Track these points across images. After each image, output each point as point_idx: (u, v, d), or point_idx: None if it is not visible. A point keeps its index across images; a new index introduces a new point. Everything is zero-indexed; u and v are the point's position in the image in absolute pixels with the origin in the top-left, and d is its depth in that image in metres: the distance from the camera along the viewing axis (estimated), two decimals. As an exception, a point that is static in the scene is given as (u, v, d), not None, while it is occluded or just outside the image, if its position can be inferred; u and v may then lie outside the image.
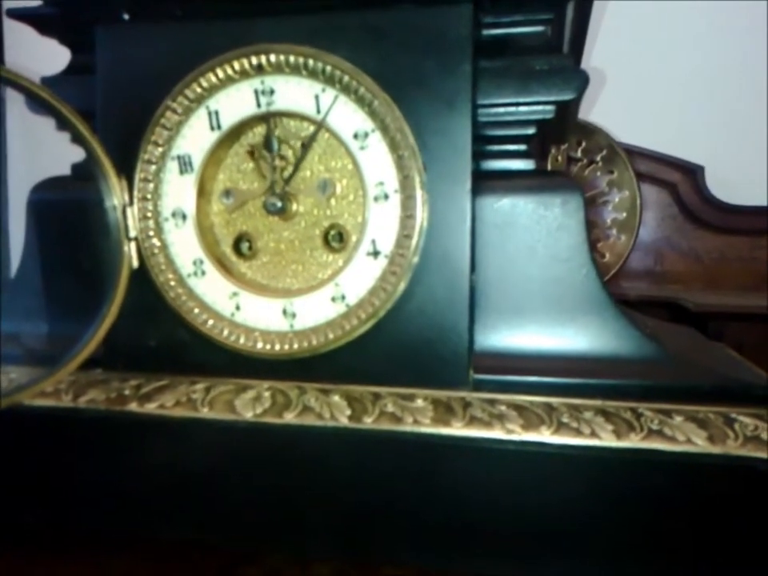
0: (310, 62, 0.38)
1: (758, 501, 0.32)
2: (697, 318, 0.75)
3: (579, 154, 0.63)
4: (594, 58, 0.92)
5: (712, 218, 0.92)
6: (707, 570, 0.33)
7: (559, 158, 0.61)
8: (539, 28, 0.38)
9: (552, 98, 0.38)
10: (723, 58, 0.96)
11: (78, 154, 0.43)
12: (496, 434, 0.35)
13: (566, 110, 0.40)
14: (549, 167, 0.64)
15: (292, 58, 0.38)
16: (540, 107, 0.38)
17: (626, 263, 0.91)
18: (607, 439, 0.34)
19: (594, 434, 0.34)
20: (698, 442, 0.33)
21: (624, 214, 0.61)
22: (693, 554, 0.33)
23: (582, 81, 0.37)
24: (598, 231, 0.62)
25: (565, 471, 0.34)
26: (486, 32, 0.38)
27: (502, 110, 0.38)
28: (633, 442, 0.34)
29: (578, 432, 0.34)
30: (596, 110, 0.93)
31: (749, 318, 0.73)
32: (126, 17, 0.40)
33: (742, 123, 0.95)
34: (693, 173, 0.92)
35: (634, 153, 0.94)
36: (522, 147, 0.39)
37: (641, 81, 0.96)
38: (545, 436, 0.34)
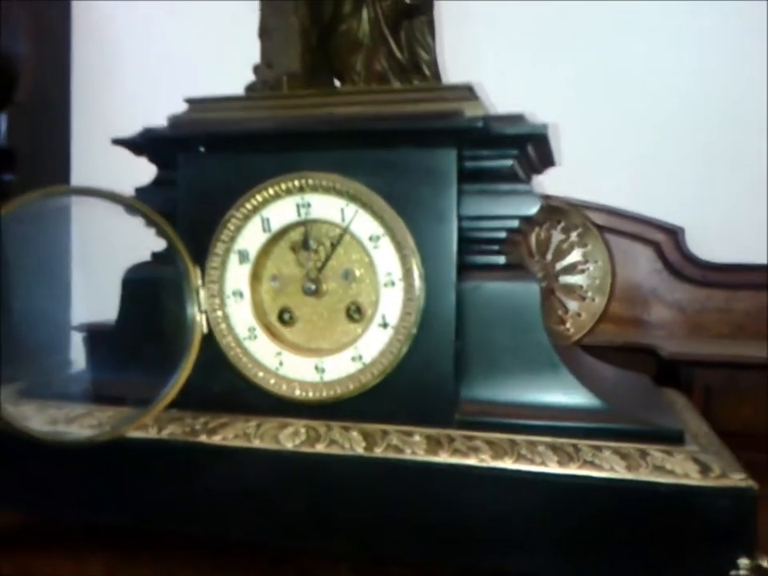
0: (338, 185, 0.52)
1: (660, 513, 0.44)
2: (670, 364, 0.87)
3: (559, 231, 0.76)
4: (574, 129, 1.06)
5: (692, 273, 1.04)
6: (624, 563, 0.45)
7: (542, 234, 0.74)
8: (506, 162, 0.51)
9: (516, 214, 0.51)
10: (695, 132, 1.09)
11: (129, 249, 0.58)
12: (471, 461, 0.47)
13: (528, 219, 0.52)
14: (534, 243, 0.78)
15: (324, 182, 0.52)
16: (507, 221, 0.51)
17: (617, 312, 1.03)
18: (553, 467, 0.46)
19: (543, 463, 0.46)
20: (619, 470, 0.45)
21: (597, 281, 0.73)
22: (613, 551, 0.45)
23: (537, 202, 0.50)
24: (575, 295, 0.75)
25: (521, 490, 0.46)
26: (466, 164, 0.51)
27: (479, 221, 0.51)
28: (572, 469, 0.46)
29: (532, 461, 0.46)
30: (586, 181, 1.06)
31: (714, 365, 0.85)
32: (202, 149, 0.54)
33: (719, 189, 1.07)
34: (674, 233, 1.04)
35: (623, 216, 1.07)
36: (495, 247, 0.52)
37: (625, 154, 1.09)
38: (507, 464, 0.47)
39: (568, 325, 0.74)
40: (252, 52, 0.65)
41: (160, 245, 0.59)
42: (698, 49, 1.12)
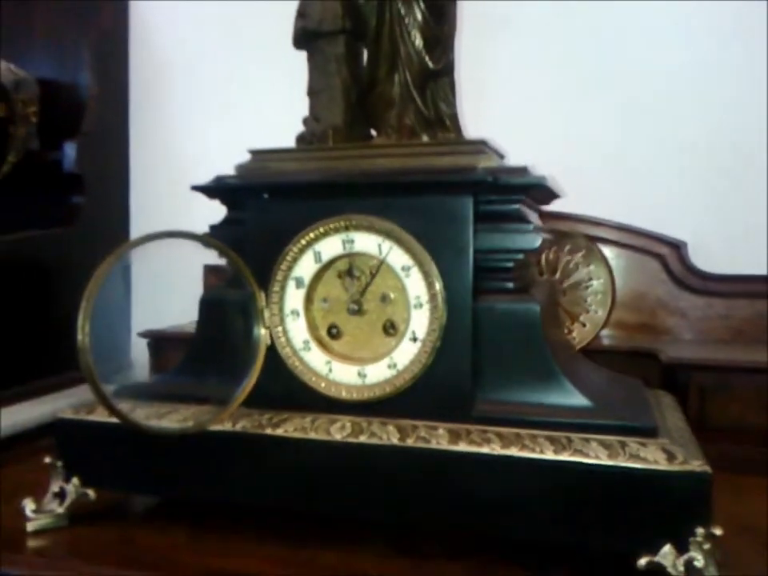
0: (376, 225, 0.64)
1: (635, 492, 0.55)
2: (669, 367, 0.97)
3: (566, 253, 0.87)
4: (587, 151, 1.16)
5: (694, 283, 1.14)
6: (605, 532, 0.56)
7: (551, 255, 0.86)
8: (513, 206, 0.63)
9: (521, 248, 0.62)
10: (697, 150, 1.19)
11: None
12: (484, 450, 0.59)
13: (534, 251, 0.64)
14: (544, 263, 0.89)
15: (365, 223, 0.64)
16: (514, 254, 0.63)
17: (626, 319, 1.14)
18: (549, 455, 0.57)
19: (542, 452, 0.58)
20: (602, 458, 0.56)
21: (600, 296, 0.84)
22: (598, 522, 0.56)
23: (538, 238, 0.62)
24: (580, 309, 0.86)
25: (524, 473, 0.58)
26: (480, 208, 0.63)
27: (491, 254, 0.63)
28: (564, 456, 0.57)
29: (533, 450, 0.58)
30: (598, 198, 1.17)
31: (708, 368, 0.95)
32: (266, 196, 0.67)
33: (719, 206, 1.16)
34: (678, 247, 1.14)
35: (631, 231, 1.17)
36: (504, 275, 0.64)
37: (634, 173, 1.20)
38: (513, 452, 0.58)
39: (574, 334, 0.85)
40: (296, 91, 0.78)
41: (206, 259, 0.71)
42: (700, 69, 1.21)
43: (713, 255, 1.14)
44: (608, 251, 1.14)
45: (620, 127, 1.23)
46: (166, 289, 1.27)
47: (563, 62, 1.27)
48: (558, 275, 0.85)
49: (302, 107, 0.76)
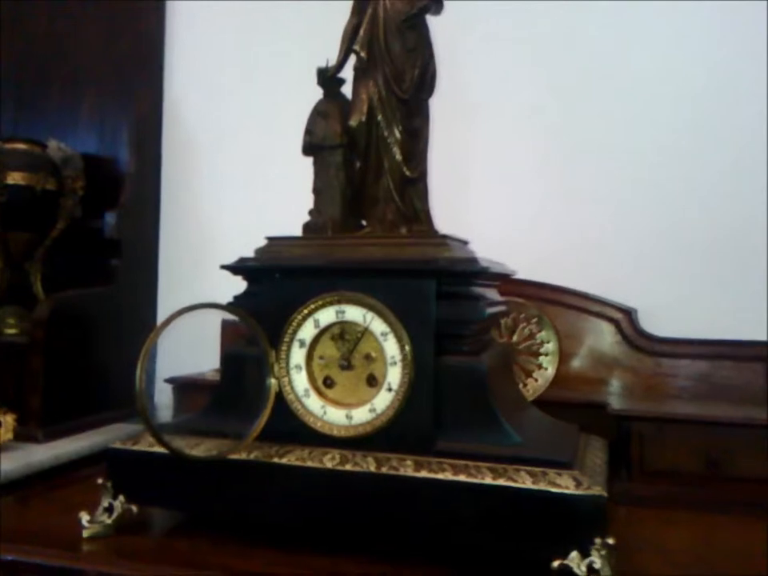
0: (362, 300, 0.83)
1: (552, 510, 0.73)
2: (616, 417, 1.15)
3: (521, 320, 1.05)
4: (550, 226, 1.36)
5: (644, 345, 1.32)
6: (529, 541, 0.73)
7: (509, 322, 1.04)
8: (467, 288, 0.82)
9: (472, 319, 0.81)
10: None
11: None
12: (440, 476, 0.76)
13: (491, 318, 0.83)
14: (503, 328, 1.08)
15: (354, 298, 0.83)
16: (467, 324, 0.82)
17: (587, 374, 1.32)
18: (489, 480, 0.75)
19: (483, 478, 0.75)
20: (528, 483, 0.74)
21: (549, 356, 1.01)
22: (524, 533, 0.74)
23: (485, 312, 0.81)
24: (533, 366, 1.03)
25: (470, 495, 0.75)
26: (442, 288, 0.82)
27: (449, 324, 0.82)
28: (500, 482, 0.75)
29: (477, 477, 0.76)
30: (560, 269, 1.36)
31: (645, 419, 1.12)
32: (278, 276, 0.87)
33: (666, 278, 1.35)
34: (629, 313, 1.33)
35: (590, 298, 1.36)
36: (459, 339, 0.82)
37: (593, 248, 1.39)
38: (461, 478, 0.76)
39: (528, 387, 1.03)
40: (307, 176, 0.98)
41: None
42: (640, 156, 1.42)
43: (660, 321, 1.33)
44: (570, 315, 1.33)
45: (584, 211, 1.43)
46: (185, 341, 1.44)
47: (528, 153, 1.48)
48: (515, 338, 1.03)
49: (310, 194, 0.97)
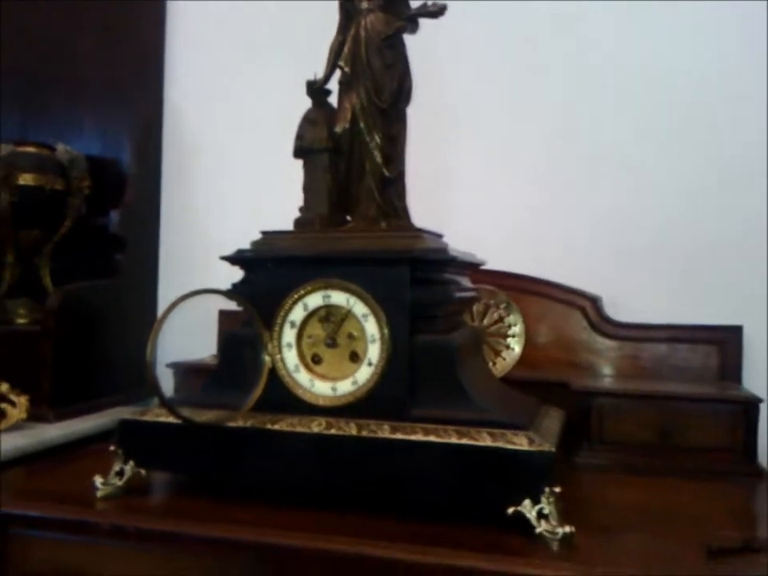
0: (346, 286, 0.94)
1: (508, 464, 0.84)
2: (578, 394, 1.26)
3: (492, 305, 1.17)
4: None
5: (608, 330, 1.43)
6: (486, 491, 0.85)
7: (480, 307, 1.15)
8: (438, 274, 0.93)
9: (440, 302, 0.93)
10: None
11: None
12: (413, 437, 0.88)
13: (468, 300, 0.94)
14: (475, 313, 1.19)
15: (338, 284, 0.94)
16: (438, 306, 0.93)
17: (558, 356, 1.43)
18: (455, 440, 0.86)
19: (449, 438, 0.87)
20: (488, 441, 0.85)
21: (516, 338, 1.12)
22: (483, 484, 0.85)
23: (455, 296, 0.92)
24: (501, 347, 1.14)
25: (439, 453, 0.86)
26: (415, 274, 0.93)
27: (422, 306, 0.93)
28: (464, 441, 0.86)
29: (444, 437, 0.87)
30: (535, 259, 1.48)
31: (604, 394, 1.24)
32: (270, 266, 0.98)
33: (628, 268, 1.47)
34: (595, 300, 1.45)
35: (560, 287, 1.47)
36: (431, 319, 0.94)
37: (562, 240, 1.51)
38: (431, 438, 0.87)
39: (497, 366, 1.14)
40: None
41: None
42: (604, 161, 1.53)
43: (624, 307, 1.45)
44: (541, 303, 1.45)
45: (555, 207, 1.55)
46: (185, 329, 1.51)
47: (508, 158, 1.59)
48: (486, 322, 1.14)
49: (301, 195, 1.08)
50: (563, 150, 1.55)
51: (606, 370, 1.43)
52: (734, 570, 0.79)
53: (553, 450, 0.84)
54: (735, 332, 1.37)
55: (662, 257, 1.47)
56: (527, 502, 0.83)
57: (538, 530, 0.82)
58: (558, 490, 0.82)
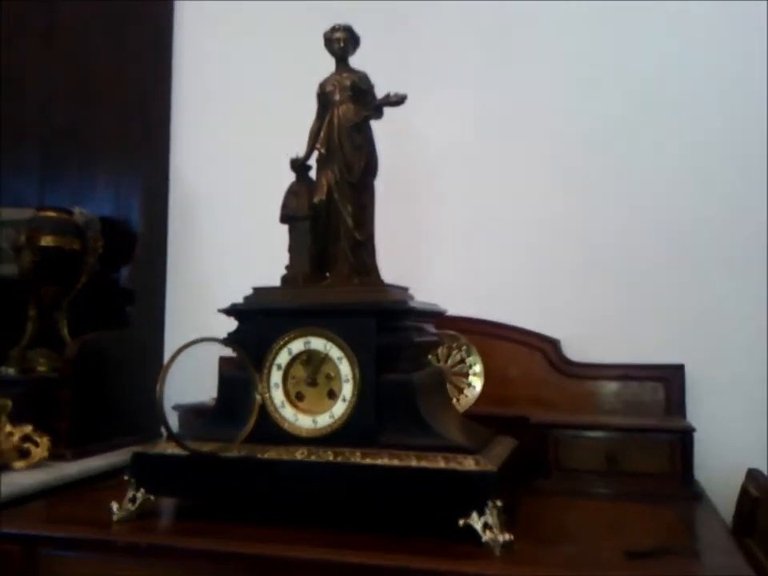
0: (323, 333, 1.11)
1: (459, 483, 1.00)
2: (536, 426, 1.42)
3: (454, 348, 1.34)
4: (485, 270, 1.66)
5: (567, 369, 1.60)
6: (439, 506, 1.00)
7: (444, 350, 1.33)
8: (400, 322, 1.10)
9: (402, 346, 1.10)
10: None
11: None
12: (379, 462, 1.04)
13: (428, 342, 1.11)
14: (440, 354, 1.36)
15: (317, 332, 1.12)
16: (400, 350, 1.10)
17: (521, 393, 1.59)
18: (414, 463, 1.02)
19: (410, 462, 1.03)
20: (442, 464, 1.01)
21: (476, 377, 1.29)
22: (436, 502, 1.00)
23: (413, 341, 1.10)
24: (463, 385, 1.31)
25: (401, 475, 1.02)
26: (381, 323, 1.10)
27: (387, 349, 1.10)
28: (422, 464, 1.02)
29: (405, 461, 1.03)
30: (499, 306, 1.65)
31: (559, 426, 1.40)
32: (260, 317, 1.15)
33: (584, 313, 1.65)
34: (554, 343, 1.62)
35: (522, 331, 1.64)
36: (395, 360, 1.11)
37: (527, 288, 1.69)
38: (395, 463, 1.03)
39: (460, 402, 1.31)
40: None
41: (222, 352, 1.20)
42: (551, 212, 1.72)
43: (581, 349, 1.61)
44: (508, 346, 1.62)
45: (519, 258, 1.73)
46: (188, 374, 1.67)
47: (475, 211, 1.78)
48: (449, 363, 1.31)
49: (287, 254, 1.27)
50: (520, 220, 1.75)
51: (566, 405, 1.59)
52: (649, 570, 0.94)
53: (495, 470, 1.00)
54: (678, 369, 1.54)
55: (616, 303, 1.64)
56: (474, 515, 0.98)
57: (483, 539, 0.97)
58: (500, 503, 0.98)
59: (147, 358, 1.87)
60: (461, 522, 0.98)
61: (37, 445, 1.51)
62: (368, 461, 1.05)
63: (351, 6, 1.78)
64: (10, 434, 1.48)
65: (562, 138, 1.73)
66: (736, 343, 1.57)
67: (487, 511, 0.98)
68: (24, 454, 1.48)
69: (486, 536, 0.97)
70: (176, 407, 1.68)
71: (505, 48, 1.81)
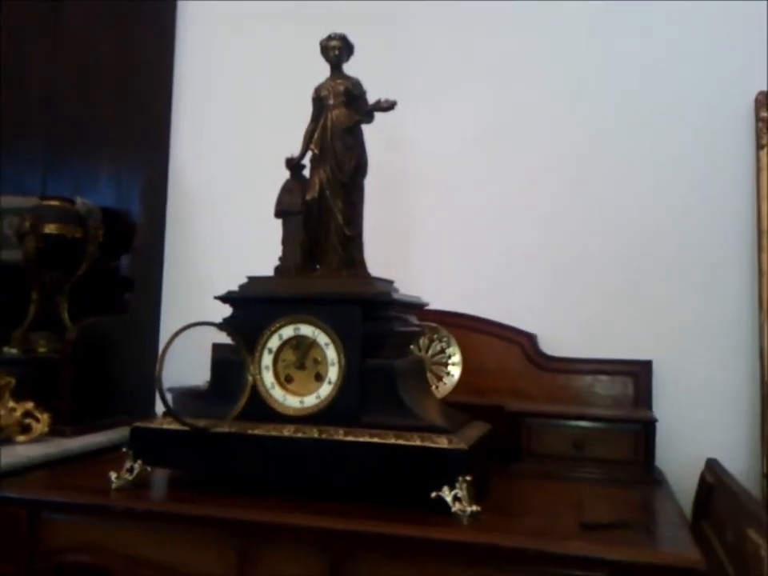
0: (312, 320, 1.20)
1: (431, 459, 1.09)
2: (511, 414, 1.51)
3: (435, 339, 1.43)
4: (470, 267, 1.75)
5: (542, 362, 1.69)
6: (413, 480, 1.09)
7: (425, 340, 1.42)
8: (384, 312, 1.20)
9: (385, 334, 1.19)
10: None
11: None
12: (361, 439, 1.13)
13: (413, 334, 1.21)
14: (421, 344, 1.46)
15: (306, 319, 1.20)
16: (383, 337, 1.19)
17: (499, 385, 1.69)
18: (392, 440, 1.11)
19: (388, 439, 1.12)
20: (418, 442, 1.10)
21: (455, 366, 1.38)
22: (412, 477, 1.10)
23: (396, 330, 1.19)
24: (442, 373, 1.40)
25: (380, 451, 1.11)
26: (366, 312, 1.19)
27: (371, 337, 1.19)
28: (400, 441, 1.11)
29: (384, 438, 1.12)
30: (479, 302, 1.75)
31: (532, 415, 1.49)
32: (254, 304, 1.24)
33: (560, 309, 1.74)
34: (531, 337, 1.71)
35: (501, 326, 1.74)
36: (380, 348, 1.20)
37: (505, 285, 1.78)
38: (375, 440, 1.12)
39: (439, 389, 1.40)
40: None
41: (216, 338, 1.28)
42: (538, 203, 1.82)
43: (556, 343, 1.71)
44: (486, 339, 1.71)
45: (500, 258, 1.82)
46: (183, 358, 1.75)
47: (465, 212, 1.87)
48: (430, 353, 1.40)
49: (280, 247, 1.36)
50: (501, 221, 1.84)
51: (541, 397, 1.69)
52: (602, 539, 1.03)
53: (466, 448, 1.09)
54: (646, 365, 1.63)
55: (591, 302, 1.74)
56: (446, 488, 1.07)
57: (453, 510, 1.06)
58: (469, 478, 1.07)
59: (144, 343, 1.96)
60: (433, 495, 1.07)
61: (38, 420, 1.59)
62: (350, 438, 1.14)
63: (351, 6, 1.89)
64: (13, 409, 1.56)
65: (545, 144, 1.82)
66: (702, 342, 1.67)
67: (457, 485, 1.07)
68: (26, 429, 1.57)
69: (456, 507, 1.06)
70: (170, 390, 1.76)
71: (501, 51, 1.90)
